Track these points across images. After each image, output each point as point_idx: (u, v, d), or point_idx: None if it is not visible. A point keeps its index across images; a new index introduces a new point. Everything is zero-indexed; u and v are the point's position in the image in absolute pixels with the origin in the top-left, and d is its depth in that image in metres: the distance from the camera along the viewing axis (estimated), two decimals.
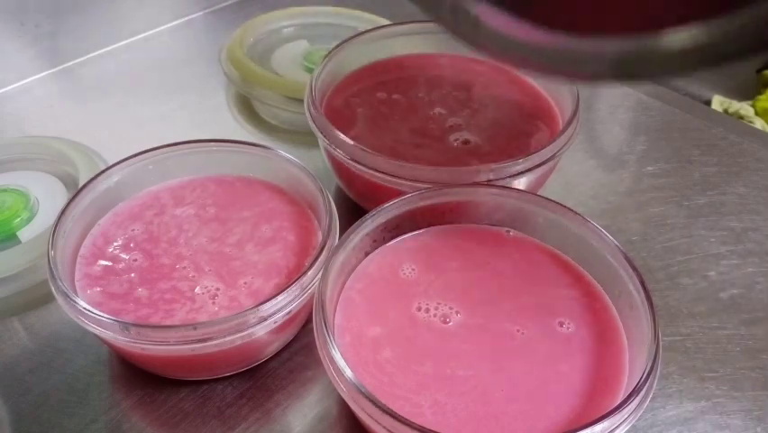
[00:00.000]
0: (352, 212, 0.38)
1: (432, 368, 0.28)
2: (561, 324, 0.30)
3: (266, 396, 0.32)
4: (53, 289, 0.30)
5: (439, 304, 0.31)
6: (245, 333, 0.29)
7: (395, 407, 0.24)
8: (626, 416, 0.24)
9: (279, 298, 0.29)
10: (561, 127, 0.38)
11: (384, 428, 0.24)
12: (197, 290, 0.32)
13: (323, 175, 0.37)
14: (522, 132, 0.40)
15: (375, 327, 0.30)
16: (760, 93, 0.68)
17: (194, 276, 0.33)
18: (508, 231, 0.34)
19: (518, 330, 0.30)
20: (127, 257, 0.34)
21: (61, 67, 0.57)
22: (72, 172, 0.43)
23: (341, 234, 0.32)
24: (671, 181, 0.45)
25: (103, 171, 0.35)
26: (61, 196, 0.42)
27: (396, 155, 0.35)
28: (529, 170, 0.35)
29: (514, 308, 0.31)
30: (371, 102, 0.43)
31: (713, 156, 0.47)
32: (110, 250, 0.34)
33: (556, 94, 0.42)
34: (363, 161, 0.35)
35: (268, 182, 0.38)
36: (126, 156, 0.36)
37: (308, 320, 0.32)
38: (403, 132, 0.40)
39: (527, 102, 0.42)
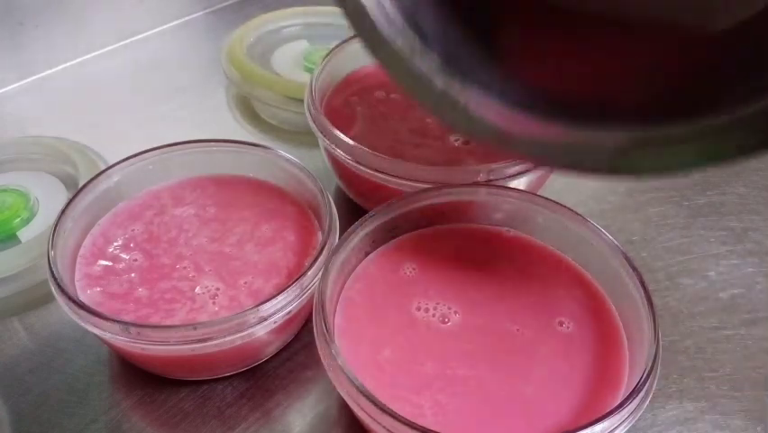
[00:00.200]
0: (352, 212, 0.38)
1: (432, 368, 0.28)
2: (560, 323, 0.30)
3: (266, 396, 0.32)
4: (53, 289, 0.30)
5: (438, 304, 0.31)
6: (245, 333, 0.29)
7: (395, 407, 0.24)
8: (626, 416, 0.24)
9: (279, 298, 0.29)
10: None
11: (384, 428, 0.24)
12: (198, 289, 0.32)
13: (323, 175, 0.37)
14: None
15: (375, 327, 0.30)
16: None
17: (194, 276, 0.33)
18: (508, 230, 0.34)
19: (518, 330, 0.30)
20: (127, 257, 0.34)
21: (61, 67, 0.57)
22: (72, 172, 0.43)
23: (341, 234, 0.32)
24: (671, 181, 0.45)
25: (103, 171, 0.35)
26: (61, 196, 0.42)
27: (396, 155, 0.35)
28: (529, 170, 0.35)
29: (514, 307, 0.31)
30: (371, 102, 0.43)
31: None
32: (110, 250, 0.34)
33: None
34: (363, 161, 0.35)
35: (268, 182, 0.38)
36: (126, 156, 0.36)
37: (308, 320, 0.32)
38: (403, 131, 0.40)
39: None
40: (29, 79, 0.55)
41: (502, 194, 0.33)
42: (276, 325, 0.30)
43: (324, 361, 0.27)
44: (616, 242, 0.30)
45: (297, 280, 0.30)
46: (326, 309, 0.28)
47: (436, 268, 0.33)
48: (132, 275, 0.33)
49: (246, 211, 0.36)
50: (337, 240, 0.32)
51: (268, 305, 0.29)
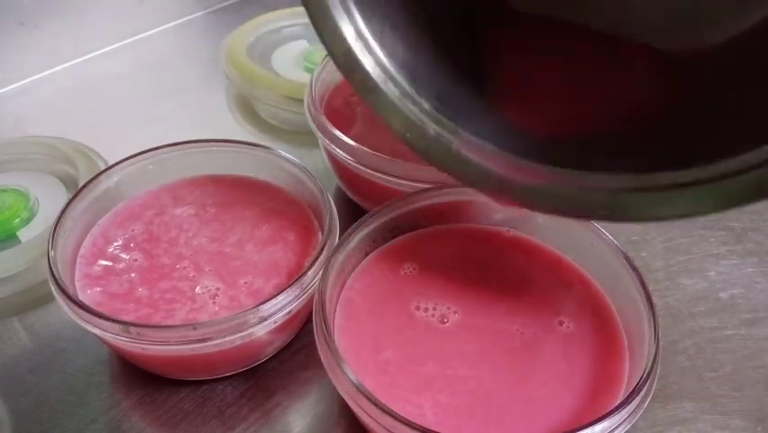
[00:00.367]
0: (352, 212, 0.38)
1: (432, 368, 0.28)
2: (560, 323, 0.30)
3: (266, 396, 0.32)
4: (53, 289, 0.30)
5: (438, 304, 0.31)
6: (245, 333, 0.29)
7: (395, 407, 0.24)
8: (626, 416, 0.24)
9: (279, 298, 0.29)
10: None
11: (384, 428, 0.24)
12: (198, 289, 0.32)
13: (323, 175, 0.37)
14: None
15: (375, 327, 0.30)
16: None
17: (194, 276, 0.33)
18: (508, 230, 0.34)
19: (518, 330, 0.30)
20: (127, 257, 0.34)
21: (61, 67, 0.57)
22: (72, 172, 0.43)
23: (341, 234, 0.32)
24: None
25: (103, 171, 0.35)
26: (61, 196, 0.42)
27: (396, 155, 0.35)
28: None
29: (514, 307, 0.31)
30: None
31: None
32: (110, 250, 0.34)
33: None
34: (363, 161, 0.35)
35: (268, 182, 0.38)
36: (126, 156, 0.36)
37: (308, 320, 0.32)
38: None
39: None
40: (29, 79, 0.55)
41: None
42: (276, 325, 0.30)
43: (324, 361, 0.27)
44: (616, 242, 0.30)
45: (297, 280, 0.30)
46: (326, 309, 0.28)
47: (436, 268, 0.33)
48: (132, 275, 0.33)
49: (246, 211, 0.36)
50: (337, 240, 0.32)
51: (268, 305, 0.29)
